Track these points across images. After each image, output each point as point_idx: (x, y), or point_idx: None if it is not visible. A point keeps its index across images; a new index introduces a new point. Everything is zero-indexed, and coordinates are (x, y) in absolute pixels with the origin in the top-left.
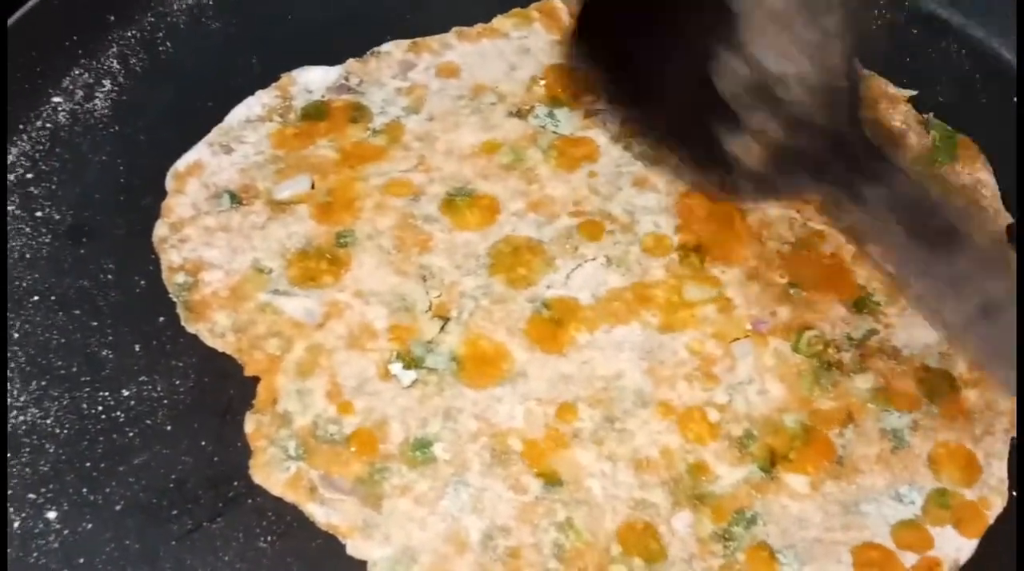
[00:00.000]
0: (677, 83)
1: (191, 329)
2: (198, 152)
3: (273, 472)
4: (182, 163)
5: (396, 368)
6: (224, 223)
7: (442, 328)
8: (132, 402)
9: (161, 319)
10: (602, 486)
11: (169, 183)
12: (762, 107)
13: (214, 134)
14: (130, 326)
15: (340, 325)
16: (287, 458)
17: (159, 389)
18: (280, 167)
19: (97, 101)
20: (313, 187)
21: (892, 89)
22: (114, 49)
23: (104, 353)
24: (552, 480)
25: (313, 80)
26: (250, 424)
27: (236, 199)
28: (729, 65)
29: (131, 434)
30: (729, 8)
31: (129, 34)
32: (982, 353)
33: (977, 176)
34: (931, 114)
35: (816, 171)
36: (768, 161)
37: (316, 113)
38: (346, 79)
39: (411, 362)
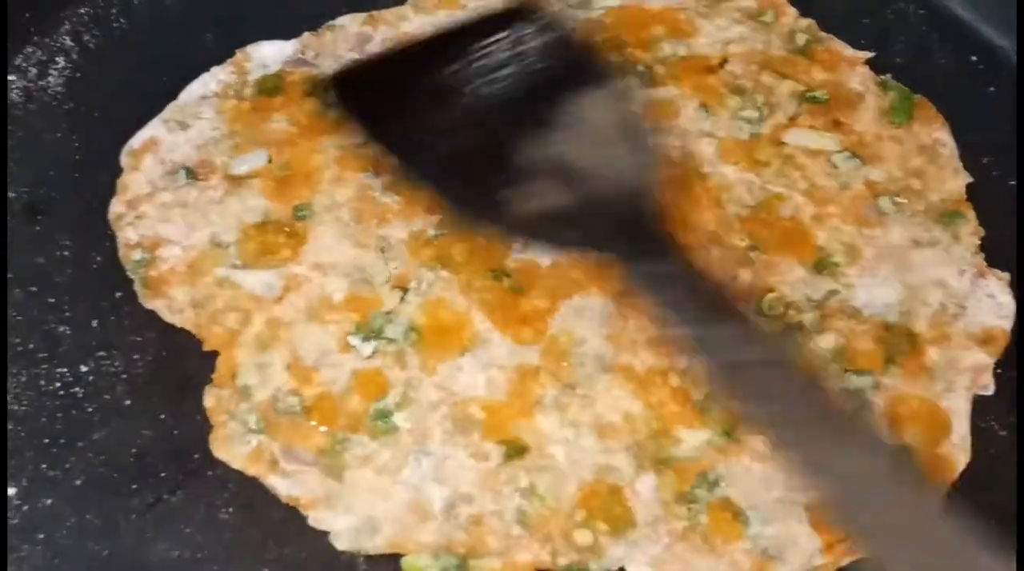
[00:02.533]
0: (452, 135)
1: (149, 306)
2: (153, 129)
3: (234, 446)
4: (137, 140)
5: (355, 340)
6: (181, 199)
7: (402, 299)
8: (91, 377)
9: (118, 294)
10: (565, 452)
11: (124, 160)
12: (553, 179)
13: (169, 111)
14: (87, 302)
15: (299, 298)
16: (248, 431)
17: (117, 364)
18: (236, 142)
19: (51, 78)
20: (270, 161)
21: (849, 51)
22: (67, 26)
23: (61, 329)
24: (514, 447)
25: (269, 55)
26: (210, 399)
27: (192, 175)
28: (528, 146)
29: (90, 409)
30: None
31: (82, 11)
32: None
33: (935, 135)
34: (889, 75)
35: (587, 238)
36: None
37: (272, 87)
38: (302, 53)
39: (371, 333)
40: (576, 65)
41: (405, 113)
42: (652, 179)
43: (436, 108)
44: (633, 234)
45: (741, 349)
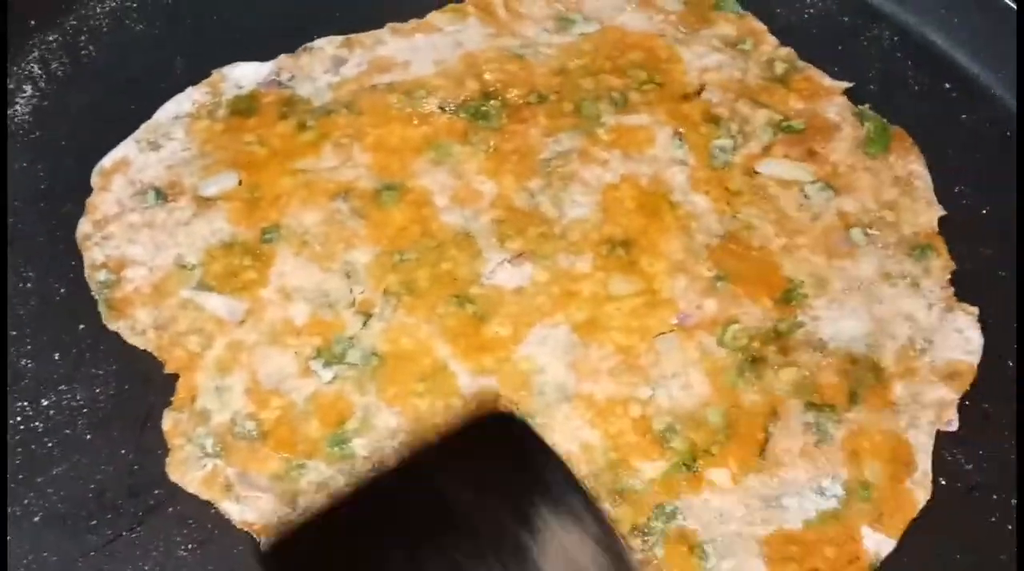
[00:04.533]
0: None
1: (112, 327)
2: (125, 148)
3: (189, 470)
4: (108, 160)
5: (316, 365)
6: (149, 220)
7: (364, 324)
8: (51, 412)
9: (81, 326)
10: None
11: (95, 180)
12: None
13: (141, 131)
14: (49, 334)
15: (262, 322)
16: (204, 455)
17: (79, 398)
18: (207, 163)
19: (17, 106)
20: (240, 183)
21: (828, 81)
22: (35, 54)
23: (23, 363)
24: None
25: (244, 76)
26: (168, 421)
27: (161, 195)
28: None
29: (50, 444)
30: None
31: (51, 38)
32: None
33: (910, 167)
34: (866, 105)
35: None
36: None
37: (245, 109)
38: (277, 75)
39: (332, 358)
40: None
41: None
42: None
43: None
44: None
45: None
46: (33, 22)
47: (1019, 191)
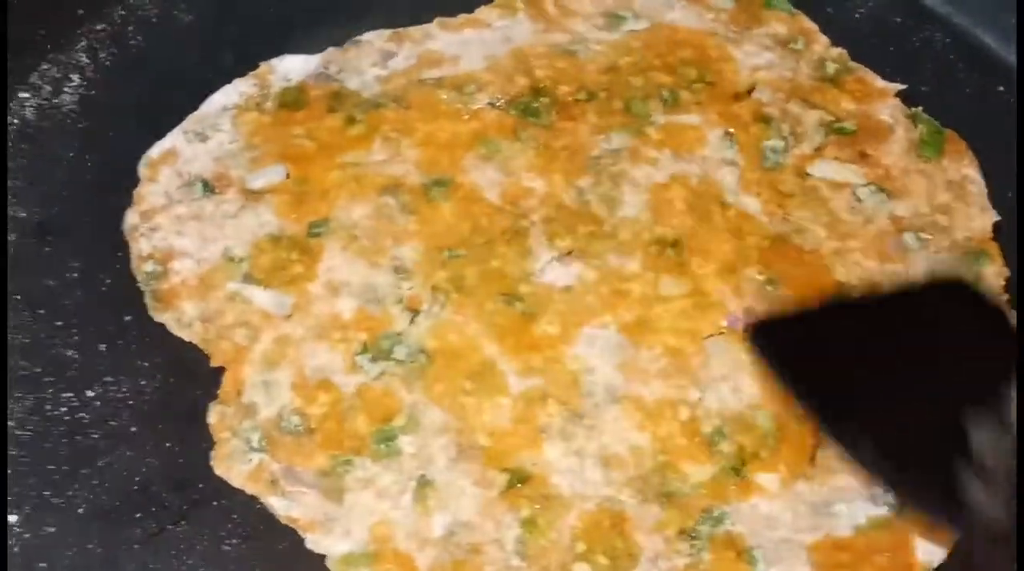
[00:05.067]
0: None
1: (158, 318)
2: (172, 139)
3: (235, 464)
4: (156, 150)
5: (363, 360)
6: (196, 212)
7: (412, 320)
8: (97, 403)
9: (127, 318)
10: (568, 483)
11: (142, 171)
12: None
13: (189, 122)
14: (95, 326)
15: (309, 316)
16: (249, 450)
17: (124, 390)
18: (255, 156)
19: (65, 96)
20: (288, 176)
21: (880, 83)
22: (83, 43)
23: (69, 353)
24: (517, 476)
25: (292, 69)
26: (214, 415)
27: (209, 188)
28: (990, 439)
29: (95, 436)
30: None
31: (99, 27)
32: None
33: (964, 172)
34: (920, 108)
35: None
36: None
37: (294, 102)
38: (325, 68)
39: (379, 354)
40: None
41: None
42: None
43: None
44: None
45: None
46: (81, 11)
47: None
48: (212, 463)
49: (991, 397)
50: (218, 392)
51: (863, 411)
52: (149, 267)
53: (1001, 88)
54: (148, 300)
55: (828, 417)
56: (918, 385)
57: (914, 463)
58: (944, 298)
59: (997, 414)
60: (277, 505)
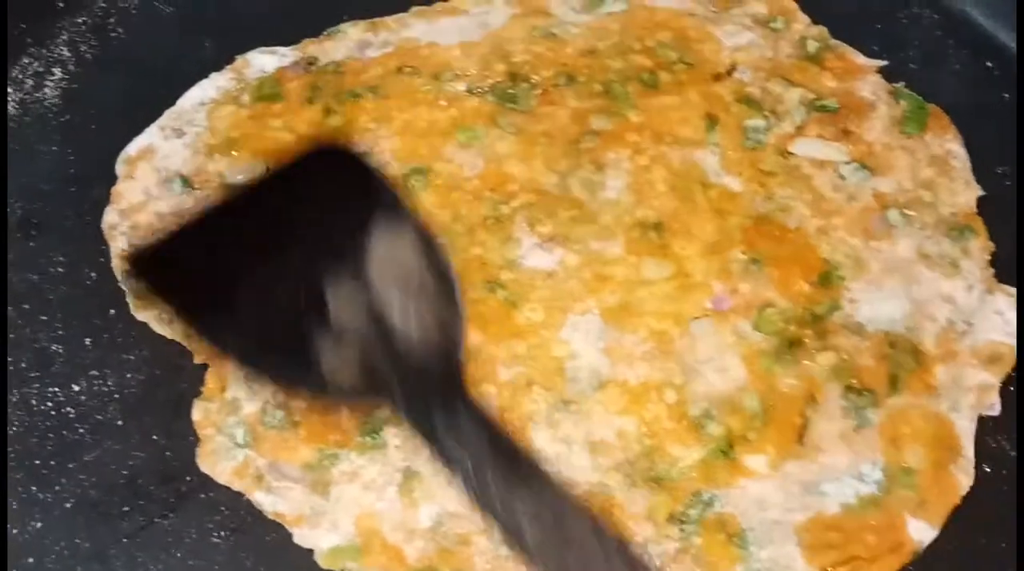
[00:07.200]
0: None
1: (140, 317)
2: (149, 136)
3: (220, 460)
4: (133, 147)
5: None
6: (175, 208)
7: None
8: (83, 397)
9: (112, 312)
10: (556, 469)
11: (120, 168)
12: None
13: (166, 118)
14: (80, 320)
15: None
16: (234, 446)
17: (110, 383)
18: (233, 150)
19: (47, 90)
20: (267, 170)
21: (861, 59)
22: (64, 36)
23: (54, 348)
24: None
25: (269, 62)
26: (198, 412)
27: (188, 183)
28: (346, 298)
29: (81, 430)
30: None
31: (80, 20)
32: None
33: (947, 147)
34: (901, 83)
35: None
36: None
37: (271, 94)
38: (302, 59)
39: None
40: (379, 205)
41: (211, 282)
42: (458, 336)
43: (241, 272)
44: (438, 392)
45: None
46: (62, 4)
47: None
48: (197, 461)
49: (350, 255)
50: (202, 389)
51: (237, 307)
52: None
53: (989, 64)
54: (130, 299)
55: (208, 328)
56: (286, 262)
57: (278, 337)
58: (314, 168)
59: (353, 270)
60: (264, 501)
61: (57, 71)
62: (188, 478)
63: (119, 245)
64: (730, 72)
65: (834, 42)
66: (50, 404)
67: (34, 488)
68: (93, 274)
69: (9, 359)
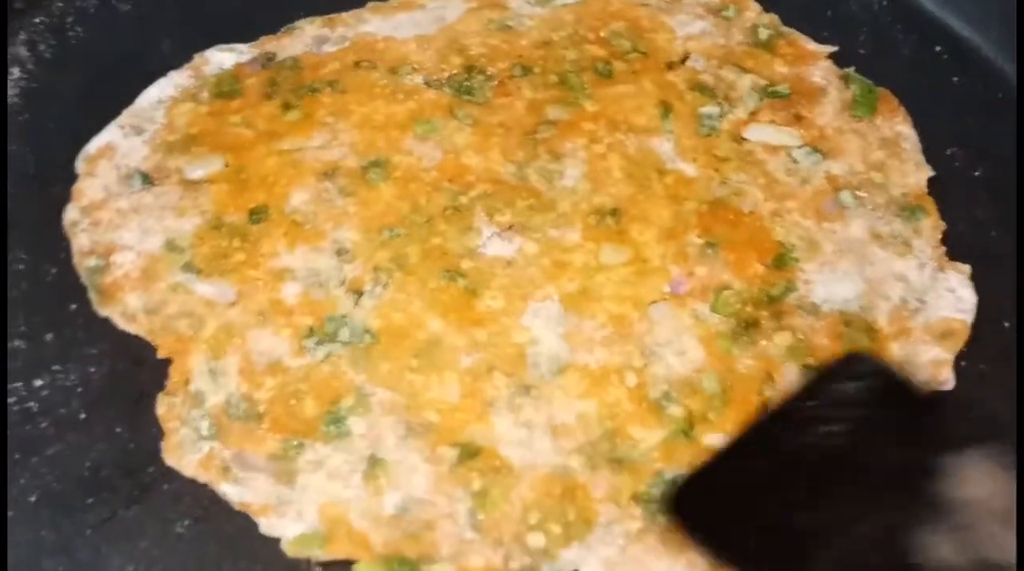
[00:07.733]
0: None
1: (102, 313)
2: (109, 134)
3: (185, 453)
4: (93, 146)
5: (309, 343)
6: (136, 205)
7: (356, 302)
8: (45, 392)
9: (73, 306)
10: (519, 454)
11: (80, 166)
12: None
13: (125, 116)
14: (42, 315)
15: (253, 303)
16: (199, 438)
17: (72, 377)
18: (193, 146)
19: (7, 89)
20: (227, 165)
21: (812, 45)
22: (23, 36)
23: (16, 344)
24: (467, 450)
25: (227, 59)
26: (162, 406)
27: (148, 180)
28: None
29: (44, 424)
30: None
31: (38, 20)
32: None
33: (897, 129)
34: (852, 68)
35: None
36: None
37: (229, 91)
38: (260, 56)
39: (324, 337)
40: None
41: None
42: None
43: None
44: None
45: None
46: (20, 4)
47: (1019, 152)
48: (163, 454)
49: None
50: (166, 383)
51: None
52: (91, 262)
53: (938, 48)
54: (92, 295)
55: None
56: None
57: None
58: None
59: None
60: (230, 492)
61: (16, 71)
62: (151, 469)
63: (81, 242)
64: (683, 60)
65: (785, 29)
66: (13, 399)
67: None
68: (54, 270)
69: None
